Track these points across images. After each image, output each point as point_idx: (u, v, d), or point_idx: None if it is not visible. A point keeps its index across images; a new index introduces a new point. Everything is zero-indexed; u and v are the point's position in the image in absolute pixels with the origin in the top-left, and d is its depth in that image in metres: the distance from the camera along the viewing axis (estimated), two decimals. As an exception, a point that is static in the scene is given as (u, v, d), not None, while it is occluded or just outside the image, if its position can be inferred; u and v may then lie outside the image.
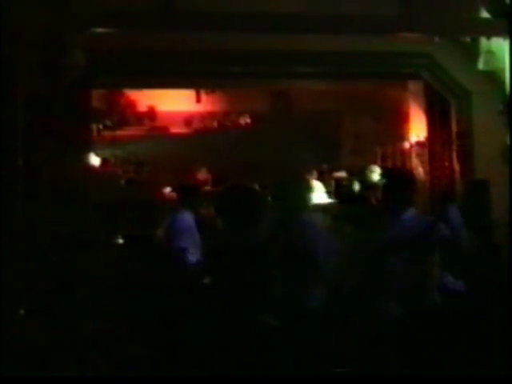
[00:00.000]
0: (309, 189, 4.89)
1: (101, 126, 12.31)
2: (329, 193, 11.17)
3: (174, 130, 13.39)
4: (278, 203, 4.65)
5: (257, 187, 4.55)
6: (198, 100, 13.64)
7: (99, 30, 7.34)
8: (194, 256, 6.01)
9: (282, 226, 4.53)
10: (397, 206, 4.54)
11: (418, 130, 11.48)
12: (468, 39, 8.56)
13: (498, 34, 7.59)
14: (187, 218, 6.54)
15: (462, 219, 6.12)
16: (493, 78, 8.47)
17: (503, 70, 8.03)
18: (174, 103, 13.28)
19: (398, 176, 4.87)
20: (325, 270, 4.35)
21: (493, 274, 5.36)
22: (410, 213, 4.52)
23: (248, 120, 13.74)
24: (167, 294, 5.37)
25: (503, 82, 8.11)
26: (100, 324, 4.91)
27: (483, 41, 8.18)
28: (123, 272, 6.53)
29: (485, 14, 7.75)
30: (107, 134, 12.51)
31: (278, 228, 4.50)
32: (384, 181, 4.78)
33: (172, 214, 6.76)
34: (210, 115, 13.77)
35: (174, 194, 11.74)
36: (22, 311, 5.29)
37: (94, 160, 10.68)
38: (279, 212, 4.63)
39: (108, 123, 12.63)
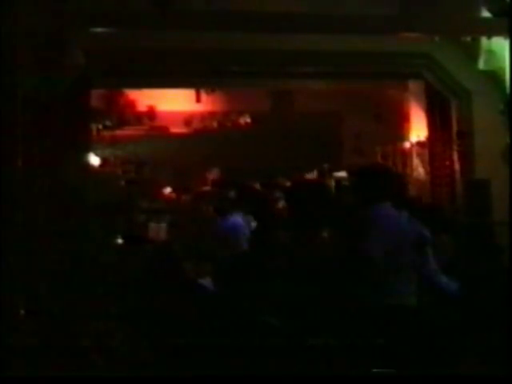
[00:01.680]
0: (389, 175, 4.40)
1: (100, 126, 12.29)
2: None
3: (174, 129, 13.36)
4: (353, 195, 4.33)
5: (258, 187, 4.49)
6: (198, 100, 13.61)
7: (99, 29, 7.34)
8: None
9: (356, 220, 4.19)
10: (365, 202, 4.22)
11: (418, 129, 11.47)
12: (468, 39, 8.55)
13: (498, 33, 7.59)
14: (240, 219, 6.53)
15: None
16: (493, 77, 8.46)
17: (504, 69, 8.02)
18: (174, 103, 13.26)
19: (363, 172, 4.51)
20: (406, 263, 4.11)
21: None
22: (382, 209, 4.20)
23: (248, 120, 13.71)
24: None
25: (504, 82, 8.10)
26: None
27: (483, 40, 8.17)
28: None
29: (485, 14, 7.74)
30: (107, 133, 12.47)
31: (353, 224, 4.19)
32: (352, 178, 4.55)
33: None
34: (210, 115, 13.72)
35: (173, 195, 11.81)
36: (22, 311, 5.29)
37: (94, 160, 10.66)
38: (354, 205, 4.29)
39: (108, 123, 12.60)
